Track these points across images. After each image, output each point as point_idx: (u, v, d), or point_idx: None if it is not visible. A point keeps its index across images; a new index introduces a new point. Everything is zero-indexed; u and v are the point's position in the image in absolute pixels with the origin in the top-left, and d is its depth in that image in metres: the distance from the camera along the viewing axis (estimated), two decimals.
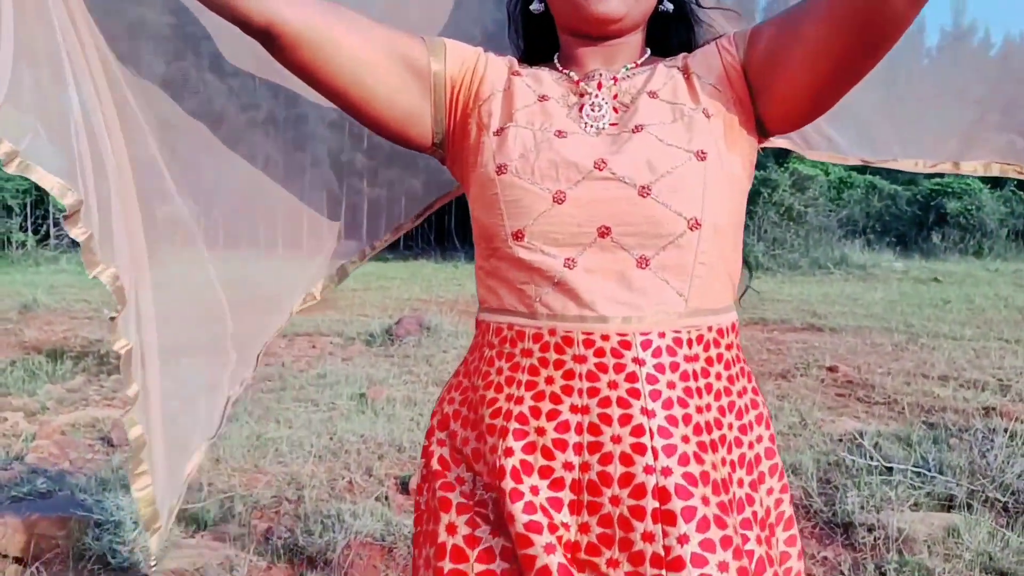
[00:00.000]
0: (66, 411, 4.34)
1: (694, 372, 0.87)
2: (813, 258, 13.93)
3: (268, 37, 0.91)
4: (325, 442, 3.53)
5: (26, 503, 2.68)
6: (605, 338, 0.85)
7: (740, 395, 0.92)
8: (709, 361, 0.89)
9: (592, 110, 0.93)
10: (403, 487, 3.01)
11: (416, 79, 0.96)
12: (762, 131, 0.96)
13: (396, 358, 5.65)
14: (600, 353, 0.85)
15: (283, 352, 5.86)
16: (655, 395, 0.84)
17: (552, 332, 0.87)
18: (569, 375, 0.86)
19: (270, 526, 2.65)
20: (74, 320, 7.71)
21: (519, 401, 0.88)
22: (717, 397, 0.89)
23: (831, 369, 5.24)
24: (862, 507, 2.68)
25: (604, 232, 0.86)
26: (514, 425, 0.87)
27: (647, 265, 0.86)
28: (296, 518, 2.68)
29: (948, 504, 2.76)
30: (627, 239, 0.85)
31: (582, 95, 0.95)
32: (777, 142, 1.20)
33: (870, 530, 2.52)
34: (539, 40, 1.07)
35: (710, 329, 0.89)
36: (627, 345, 0.85)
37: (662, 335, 0.86)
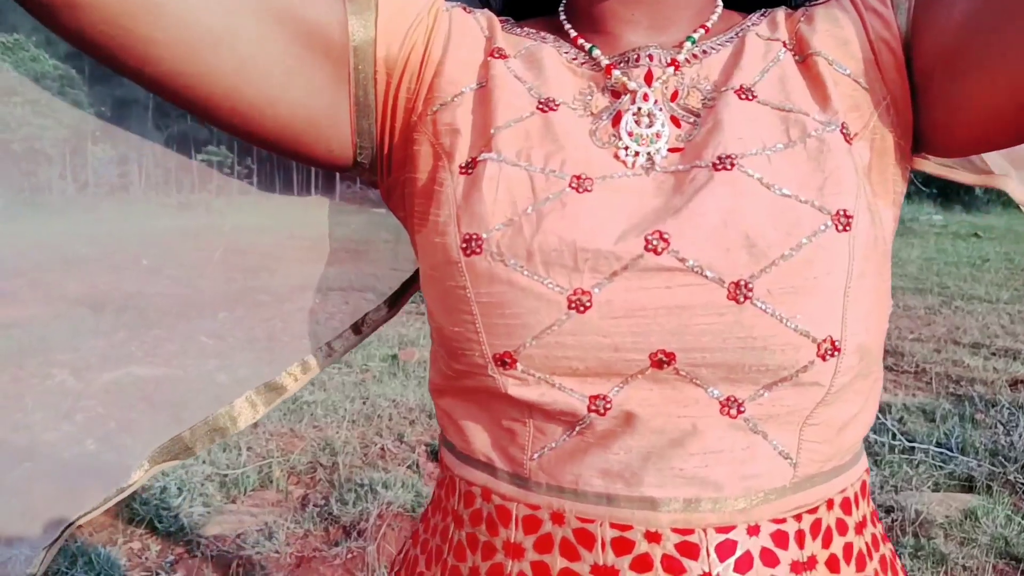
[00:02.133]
0: (110, 368, 4.52)
1: None
2: None
3: None
4: (358, 406, 3.64)
5: (75, 466, 2.84)
6: (653, 538, 0.49)
7: None
8: (833, 564, 0.52)
9: (638, 124, 0.52)
10: (433, 455, 3.12)
11: (322, 57, 0.53)
12: (916, 148, 0.55)
13: (427, 316, 5.76)
14: (644, 565, 0.49)
15: (317, 308, 6.00)
16: None
17: (558, 518, 0.51)
18: None
19: (306, 493, 2.77)
20: (114, 272, 7.94)
21: None
22: None
23: None
24: (882, 487, 2.73)
25: (663, 361, 0.48)
26: None
27: (740, 412, 0.49)
28: (331, 485, 2.81)
29: (968, 485, 2.79)
30: (704, 371, 0.48)
31: (617, 94, 0.54)
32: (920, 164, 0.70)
33: (888, 511, 2.57)
34: None
35: (831, 505, 0.52)
36: (691, 551, 0.49)
37: (754, 530, 0.49)
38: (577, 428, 0.50)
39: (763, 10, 0.59)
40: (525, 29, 0.60)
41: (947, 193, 17.33)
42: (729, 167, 0.48)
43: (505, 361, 0.49)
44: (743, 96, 0.52)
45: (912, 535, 2.43)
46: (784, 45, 0.55)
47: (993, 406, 3.51)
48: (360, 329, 0.85)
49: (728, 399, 0.49)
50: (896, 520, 2.52)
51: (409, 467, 2.99)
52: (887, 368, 4.52)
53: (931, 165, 0.71)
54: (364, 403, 3.70)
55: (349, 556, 2.36)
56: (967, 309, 6.10)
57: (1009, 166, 0.77)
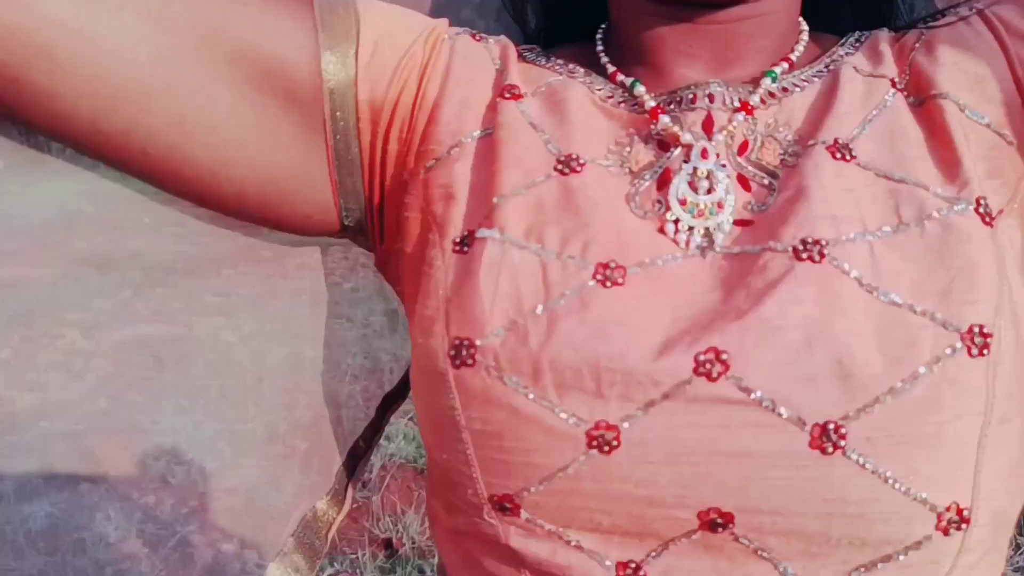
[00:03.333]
0: (119, 327, 4.61)
1: None
2: None
3: None
4: (360, 361, 3.71)
5: (89, 424, 2.93)
6: None
7: None
8: None
9: (693, 189, 0.40)
10: None
11: (286, 103, 0.42)
12: None
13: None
14: None
15: (316, 265, 6.06)
16: None
17: None
18: None
19: (311, 446, 2.87)
20: (117, 230, 7.97)
21: None
22: None
23: None
24: None
25: (717, 523, 0.36)
26: None
27: None
28: (334, 439, 2.91)
29: None
30: (774, 540, 0.36)
31: (665, 145, 0.42)
32: None
33: None
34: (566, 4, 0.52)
35: None
36: None
37: None
38: None
39: (858, 33, 0.45)
40: (552, 60, 0.47)
41: None
42: (817, 258, 0.36)
43: (505, 506, 0.38)
44: (838, 155, 0.39)
45: None
46: (893, 84, 0.41)
47: None
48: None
49: None
50: None
51: (411, 419, 3.07)
52: None
53: None
54: (366, 357, 3.76)
55: (355, 506, 2.46)
56: None
57: None
